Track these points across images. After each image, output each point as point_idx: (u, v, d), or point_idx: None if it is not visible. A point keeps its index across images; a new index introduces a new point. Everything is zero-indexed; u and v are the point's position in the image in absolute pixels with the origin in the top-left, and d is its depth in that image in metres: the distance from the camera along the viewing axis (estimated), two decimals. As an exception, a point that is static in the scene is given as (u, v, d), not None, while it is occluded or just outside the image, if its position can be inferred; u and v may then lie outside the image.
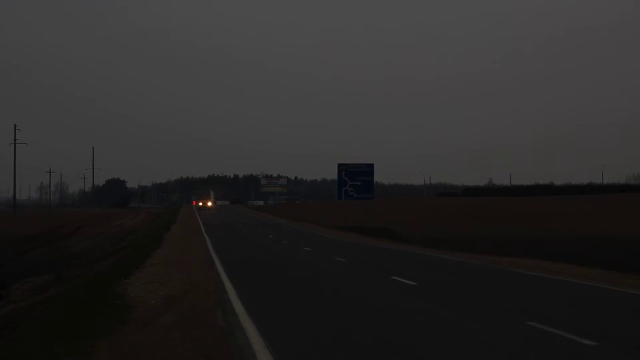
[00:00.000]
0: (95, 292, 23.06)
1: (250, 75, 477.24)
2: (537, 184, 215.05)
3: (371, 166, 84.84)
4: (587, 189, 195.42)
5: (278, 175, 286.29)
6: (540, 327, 15.11)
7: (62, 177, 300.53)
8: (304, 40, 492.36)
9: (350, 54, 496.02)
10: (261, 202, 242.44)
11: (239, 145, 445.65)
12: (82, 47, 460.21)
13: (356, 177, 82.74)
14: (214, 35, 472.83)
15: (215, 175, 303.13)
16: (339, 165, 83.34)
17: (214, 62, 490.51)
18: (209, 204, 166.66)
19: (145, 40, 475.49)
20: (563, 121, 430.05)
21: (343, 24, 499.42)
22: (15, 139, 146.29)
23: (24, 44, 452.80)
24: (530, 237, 65.28)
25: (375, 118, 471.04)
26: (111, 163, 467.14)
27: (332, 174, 79.83)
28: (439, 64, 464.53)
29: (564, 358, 12.25)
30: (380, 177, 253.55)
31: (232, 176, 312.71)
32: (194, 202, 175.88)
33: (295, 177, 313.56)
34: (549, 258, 39.95)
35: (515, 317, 16.74)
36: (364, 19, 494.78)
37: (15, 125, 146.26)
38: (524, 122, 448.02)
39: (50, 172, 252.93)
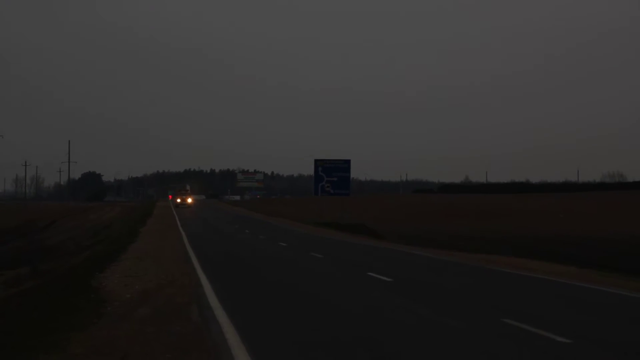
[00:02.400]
0: (71, 285, 23.01)
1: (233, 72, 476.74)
2: (513, 181, 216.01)
3: (348, 162, 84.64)
4: (562, 187, 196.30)
5: (254, 170, 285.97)
6: (515, 324, 15.17)
7: (37, 170, 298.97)
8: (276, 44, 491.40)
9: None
10: (237, 197, 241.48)
11: (216, 140, 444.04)
12: (58, 43, 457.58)
13: (333, 173, 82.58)
14: (191, 35, 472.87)
15: (192, 169, 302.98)
16: (316, 161, 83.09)
17: (189, 63, 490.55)
18: (189, 200, 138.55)
19: (117, 38, 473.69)
20: (541, 120, 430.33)
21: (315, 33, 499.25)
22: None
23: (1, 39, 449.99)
24: (505, 234, 65.44)
25: (353, 116, 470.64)
26: (87, 156, 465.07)
27: (309, 170, 79.83)
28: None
29: (539, 356, 12.32)
30: (357, 173, 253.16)
31: (208, 171, 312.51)
32: (170, 197, 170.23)
33: (272, 173, 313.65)
34: (525, 255, 40.11)
35: (490, 314, 16.80)
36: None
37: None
38: (504, 122, 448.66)
39: (25, 165, 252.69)
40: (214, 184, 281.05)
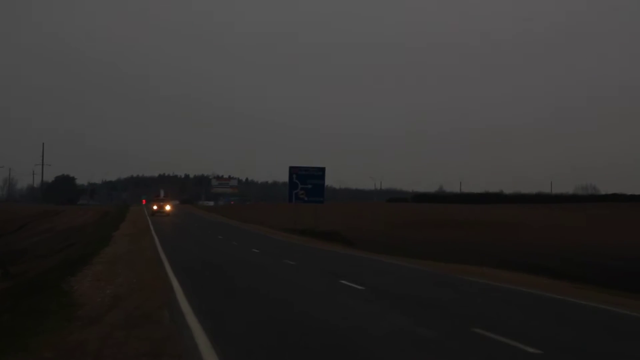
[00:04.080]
0: (42, 288, 22.96)
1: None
2: (486, 192, 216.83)
3: (322, 170, 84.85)
4: (536, 198, 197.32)
5: (229, 176, 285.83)
6: (485, 334, 15.22)
7: (10, 172, 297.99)
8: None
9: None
10: (211, 203, 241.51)
11: (190, 145, 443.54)
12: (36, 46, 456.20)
13: (307, 180, 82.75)
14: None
15: (166, 174, 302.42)
16: (291, 168, 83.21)
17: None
18: (167, 207, 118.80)
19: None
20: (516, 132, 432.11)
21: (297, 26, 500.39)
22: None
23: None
24: (477, 244, 65.63)
25: (330, 122, 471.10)
26: (61, 159, 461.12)
27: (284, 177, 79.89)
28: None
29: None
30: (331, 181, 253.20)
31: (182, 176, 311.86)
32: (144, 202, 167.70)
33: (246, 179, 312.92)
34: (496, 266, 40.32)
35: (460, 324, 16.87)
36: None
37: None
38: (480, 134, 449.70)
39: (1, 167, 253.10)
40: (188, 189, 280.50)
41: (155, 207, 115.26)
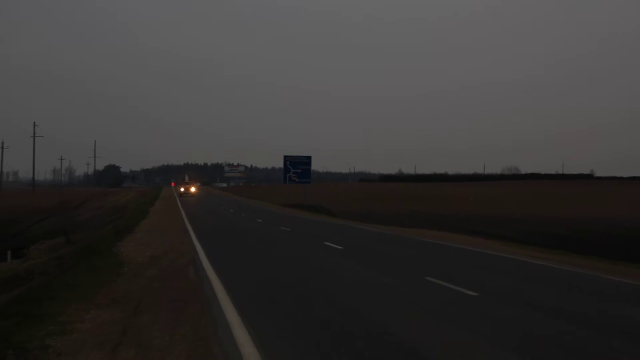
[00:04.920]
0: (96, 252, 22.94)
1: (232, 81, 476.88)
2: (434, 173, 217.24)
3: (309, 158, 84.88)
4: (472, 177, 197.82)
5: (238, 163, 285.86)
6: (435, 281, 15.30)
7: (70, 163, 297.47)
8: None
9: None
10: (224, 184, 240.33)
11: (208, 138, 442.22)
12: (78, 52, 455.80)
13: (298, 165, 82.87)
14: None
15: (189, 163, 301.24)
16: (285, 156, 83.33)
17: (186, 69, 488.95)
18: (192, 189, 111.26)
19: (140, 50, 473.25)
20: (458, 118, 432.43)
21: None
22: (34, 133, 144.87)
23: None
24: (429, 213, 65.84)
25: (316, 118, 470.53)
26: (109, 152, 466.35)
27: (281, 163, 79.83)
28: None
29: (452, 305, 12.46)
30: (316, 165, 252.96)
31: (202, 164, 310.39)
32: (173, 184, 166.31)
33: (251, 165, 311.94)
34: (445, 229, 40.40)
35: (416, 274, 16.92)
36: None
37: (34, 123, 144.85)
38: (427, 126, 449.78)
39: (61, 159, 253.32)
40: (206, 174, 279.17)
41: (182, 189, 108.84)
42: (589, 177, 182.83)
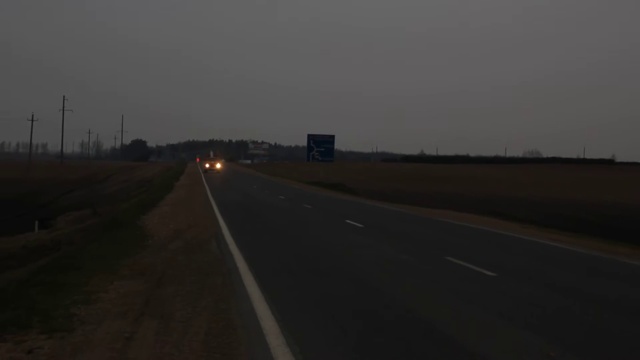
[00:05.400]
0: (122, 224, 23.13)
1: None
2: (456, 154, 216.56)
3: (333, 137, 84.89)
4: (494, 160, 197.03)
5: (262, 141, 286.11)
6: (455, 261, 15.31)
7: (98, 137, 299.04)
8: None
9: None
10: (248, 161, 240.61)
11: (233, 117, 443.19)
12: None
13: (321, 144, 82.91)
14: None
15: (214, 139, 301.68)
16: (309, 135, 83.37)
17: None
18: (218, 166, 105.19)
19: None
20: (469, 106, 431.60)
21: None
22: (63, 107, 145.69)
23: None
24: (449, 194, 65.67)
25: (341, 102, 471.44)
26: (136, 126, 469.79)
27: (304, 142, 79.69)
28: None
29: (471, 284, 12.45)
30: (339, 145, 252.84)
31: (227, 140, 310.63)
32: (198, 160, 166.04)
33: (275, 143, 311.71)
34: (465, 210, 40.34)
35: (435, 253, 16.94)
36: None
37: (64, 96, 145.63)
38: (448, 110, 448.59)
39: (89, 133, 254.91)
40: (231, 150, 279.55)
41: (207, 165, 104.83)
42: (610, 162, 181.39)
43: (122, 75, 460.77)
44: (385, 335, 8.36)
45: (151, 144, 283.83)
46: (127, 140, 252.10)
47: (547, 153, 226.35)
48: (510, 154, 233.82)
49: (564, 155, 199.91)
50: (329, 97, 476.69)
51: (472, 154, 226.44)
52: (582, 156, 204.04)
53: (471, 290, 11.78)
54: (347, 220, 26.53)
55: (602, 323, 9.44)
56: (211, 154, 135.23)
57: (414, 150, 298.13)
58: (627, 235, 30.35)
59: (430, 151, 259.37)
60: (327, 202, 41.20)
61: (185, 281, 11.73)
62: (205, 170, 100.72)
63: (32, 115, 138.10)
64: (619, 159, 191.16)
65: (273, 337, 8.22)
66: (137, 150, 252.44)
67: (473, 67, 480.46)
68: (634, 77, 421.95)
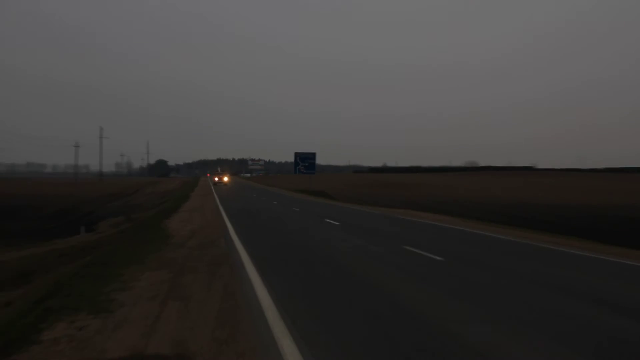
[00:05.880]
0: (149, 227, 23.10)
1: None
2: (412, 165, 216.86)
3: (314, 154, 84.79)
4: (441, 169, 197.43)
5: (258, 158, 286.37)
6: (411, 249, 15.45)
7: (129, 158, 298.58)
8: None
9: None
10: (248, 175, 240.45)
11: (236, 136, 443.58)
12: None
13: (305, 160, 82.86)
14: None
15: (221, 157, 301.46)
16: (295, 153, 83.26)
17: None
18: (225, 179, 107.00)
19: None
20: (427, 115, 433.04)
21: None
22: (101, 136, 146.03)
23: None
24: (407, 197, 65.85)
25: (321, 123, 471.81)
26: (159, 149, 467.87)
27: (292, 158, 79.65)
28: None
29: (424, 266, 12.58)
30: (319, 159, 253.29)
31: (231, 158, 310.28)
32: (208, 175, 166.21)
33: (269, 160, 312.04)
34: (419, 209, 40.47)
35: (396, 244, 17.03)
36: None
37: (100, 127, 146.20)
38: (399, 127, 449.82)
39: (122, 155, 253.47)
40: (234, 166, 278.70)
41: (216, 179, 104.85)
42: (530, 168, 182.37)
43: (147, 108, 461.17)
44: (353, 305, 8.48)
45: (171, 162, 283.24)
46: (152, 160, 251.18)
47: (482, 163, 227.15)
48: (454, 164, 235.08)
49: (495, 164, 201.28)
50: (312, 119, 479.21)
51: (424, 164, 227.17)
52: (509, 164, 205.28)
53: (422, 270, 11.92)
54: (327, 220, 26.61)
55: (515, 290, 9.63)
56: (219, 170, 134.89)
57: (378, 163, 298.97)
58: (541, 225, 30.59)
59: (391, 163, 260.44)
60: (311, 206, 41.18)
61: (200, 270, 11.81)
62: (215, 183, 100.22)
63: (76, 143, 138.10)
64: (539, 166, 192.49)
65: (267, 304, 8.36)
66: (160, 168, 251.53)
67: (426, 95, 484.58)
68: (550, 100, 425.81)
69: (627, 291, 10.17)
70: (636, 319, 8.12)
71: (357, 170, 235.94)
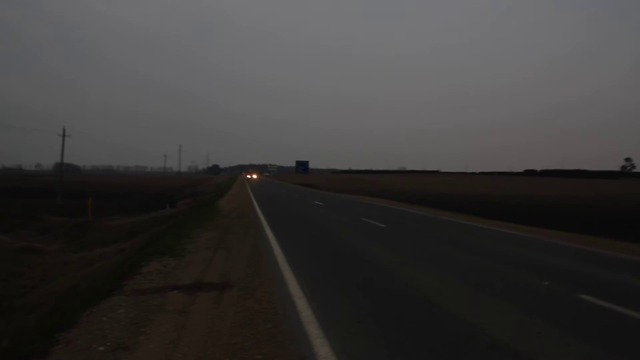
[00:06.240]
0: (207, 205, 23.04)
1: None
2: (370, 169, 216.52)
3: (307, 162, 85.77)
4: (388, 171, 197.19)
5: (275, 164, 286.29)
6: (365, 220, 15.50)
7: (196, 163, 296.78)
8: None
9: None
10: (267, 174, 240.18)
11: (260, 150, 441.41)
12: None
13: (302, 165, 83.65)
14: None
15: (252, 163, 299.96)
16: (296, 161, 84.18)
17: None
18: (254, 176, 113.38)
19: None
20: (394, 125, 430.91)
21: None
22: (180, 149, 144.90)
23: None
24: (367, 189, 65.89)
25: (311, 135, 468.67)
26: (214, 156, 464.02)
27: (294, 163, 79.77)
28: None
29: (372, 230, 12.68)
30: (312, 164, 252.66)
31: (257, 163, 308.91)
32: (243, 174, 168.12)
33: (281, 165, 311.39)
34: (374, 196, 40.53)
35: (356, 217, 17.09)
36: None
37: (179, 145, 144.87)
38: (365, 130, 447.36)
39: (192, 161, 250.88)
40: (259, 169, 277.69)
41: (249, 177, 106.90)
42: (437, 172, 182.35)
43: (208, 130, 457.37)
44: (325, 247, 8.63)
45: (222, 165, 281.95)
46: (210, 164, 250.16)
47: (410, 167, 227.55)
48: (395, 167, 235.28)
49: (415, 169, 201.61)
50: (306, 135, 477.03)
51: (375, 168, 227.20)
52: (424, 169, 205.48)
53: (373, 233, 12.03)
54: (315, 202, 26.63)
55: (434, 247, 9.75)
56: (250, 171, 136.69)
57: (346, 167, 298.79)
58: (443, 206, 30.72)
59: (355, 167, 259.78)
60: (305, 193, 41.18)
61: (238, 231, 11.83)
62: (248, 180, 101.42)
63: (165, 154, 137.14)
64: (443, 170, 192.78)
65: (278, 252, 8.49)
66: (214, 170, 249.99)
67: (372, 120, 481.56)
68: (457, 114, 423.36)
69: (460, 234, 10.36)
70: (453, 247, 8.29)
71: (334, 171, 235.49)
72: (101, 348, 4.09)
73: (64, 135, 48.94)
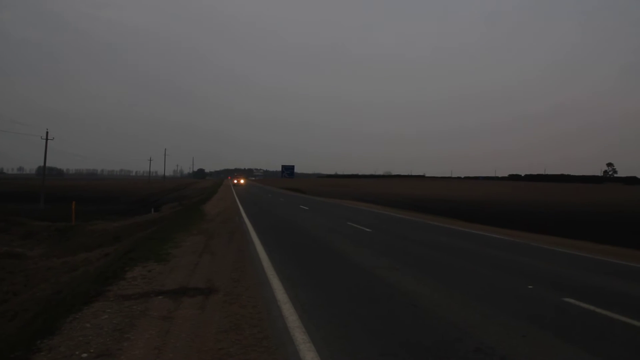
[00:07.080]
0: (192, 209, 22.83)
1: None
2: (356, 173, 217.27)
3: (293, 166, 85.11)
4: (370, 176, 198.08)
5: (260, 168, 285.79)
6: (352, 224, 15.49)
7: (181, 167, 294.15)
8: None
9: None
10: (253, 178, 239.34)
11: (245, 153, 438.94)
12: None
13: (288, 169, 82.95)
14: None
15: (237, 167, 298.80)
16: (282, 165, 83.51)
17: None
18: (242, 181, 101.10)
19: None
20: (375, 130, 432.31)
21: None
22: (165, 154, 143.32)
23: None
24: (351, 193, 66.06)
25: (297, 138, 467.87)
26: (199, 160, 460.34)
27: (280, 168, 79.90)
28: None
29: (359, 234, 12.69)
30: (297, 168, 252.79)
31: (243, 168, 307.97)
32: (229, 178, 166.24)
33: (266, 170, 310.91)
34: (357, 200, 40.64)
35: (341, 221, 17.11)
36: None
37: (165, 149, 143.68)
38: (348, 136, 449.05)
39: (177, 165, 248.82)
40: (245, 173, 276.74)
41: (235, 182, 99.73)
42: (422, 177, 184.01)
43: (192, 138, 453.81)
44: (310, 251, 8.60)
45: (207, 169, 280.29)
46: (195, 168, 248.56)
47: (395, 171, 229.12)
48: (378, 172, 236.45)
49: (401, 173, 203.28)
50: (292, 139, 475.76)
51: (360, 173, 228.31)
52: (410, 173, 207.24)
53: (357, 237, 12.04)
54: (301, 206, 26.58)
55: (418, 250, 9.80)
56: (236, 175, 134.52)
57: (331, 171, 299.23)
58: (425, 210, 30.92)
59: (340, 171, 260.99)
60: (291, 197, 41.08)
61: (223, 236, 11.74)
62: (234, 185, 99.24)
63: (150, 158, 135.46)
64: (428, 174, 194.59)
65: (263, 256, 8.41)
66: (199, 174, 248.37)
67: (360, 127, 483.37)
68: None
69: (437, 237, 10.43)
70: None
71: (320, 176, 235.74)
72: (84, 355, 3.98)
73: (47, 139, 48.09)
